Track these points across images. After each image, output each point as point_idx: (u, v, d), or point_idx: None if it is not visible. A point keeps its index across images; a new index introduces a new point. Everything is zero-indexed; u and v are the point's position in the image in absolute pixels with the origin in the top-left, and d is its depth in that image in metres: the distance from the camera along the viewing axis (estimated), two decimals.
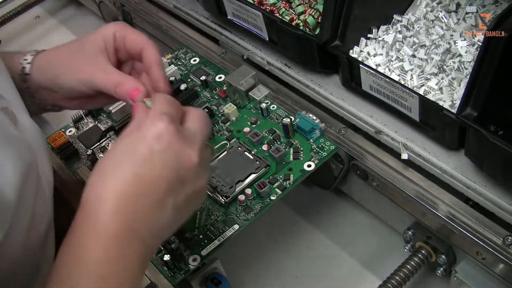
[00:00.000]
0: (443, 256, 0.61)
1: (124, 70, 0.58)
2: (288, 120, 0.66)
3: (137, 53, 0.56)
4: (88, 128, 0.75)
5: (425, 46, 0.64)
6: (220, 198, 0.63)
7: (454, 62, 0.62)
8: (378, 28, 0.68)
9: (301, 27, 0.72)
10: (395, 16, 0.69)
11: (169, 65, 0.79)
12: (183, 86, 0.76)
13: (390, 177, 0.62)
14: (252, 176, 0.64)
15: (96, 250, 0.42)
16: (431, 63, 0.63)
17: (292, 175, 0.64)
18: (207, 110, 0.72)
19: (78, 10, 1.22)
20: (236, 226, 0.61)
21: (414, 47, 0.65)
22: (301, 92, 0.73)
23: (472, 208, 0.58)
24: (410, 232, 0.64)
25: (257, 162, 0.65)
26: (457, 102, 0.59)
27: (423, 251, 0.63)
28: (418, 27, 0.67)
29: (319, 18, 0.72)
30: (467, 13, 0.66)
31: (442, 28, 0.66)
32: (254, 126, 0.70)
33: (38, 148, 0.53)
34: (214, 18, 0.83)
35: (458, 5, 0.67)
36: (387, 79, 0.61)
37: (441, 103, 0.59)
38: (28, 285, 0.52)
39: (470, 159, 0.57)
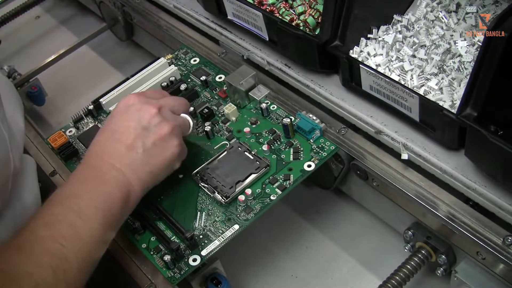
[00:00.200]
0: (443, 256, 0.61)
1: None
2: (288, 120, 0.66)
3: None
4: (88, 128, 0.75)
5: (425, 46, 0.64)
6: (220, 198, 0.63)
7: (454, 62, 0.62)
8: (378, 28, 0.69)
9: (301, 27, 0.72)
10: (395, 16, 0.69)
11: (169, 65, 0.79)
12: (183, 86, 0.76)
13: (390, 177, 0.62)
14: (252, 176, 0.64)
15: (81, 178, 0.57)
16: (431, 63, 0.63)
17: (292, 175, 0.64)
18: (207, 110, 0.72)
19: (78, 10, 1.22)
20: (236, 226, 0.61)
21: (414, 47, 0.65)
22: (301, 92, 0.73)
23: (472, 208, 0.58)
24: (410, 232, 0.64)
25: (257, 162, 0.65)
26: (457, 102, 0.59)
27: (423, 251, 0.63)
28: (418, 27, 0.67)
29: (319, 18, 0.72)
30: (467, 13, 0.66)
31: (442, 28, 0.66)
32: (254, 126, 0.70)
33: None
34: (214, 18, 0.83)
35: (458, 5, 0.67)
36: (387, 79, 0.61)
37: (441, 103, 0.59)
38: None
39: (470, 159, 0.57)
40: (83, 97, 0.97)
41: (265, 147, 0.67)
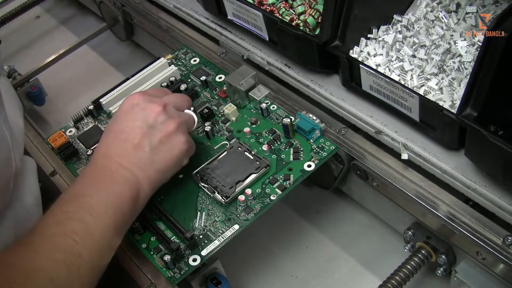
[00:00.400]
0: (443, 256, 0.61)
1: None
2: (288, 120, 0.66)
3: None
4: (88, 128, 0.75)
5: (425, 46, 0.64)
6: (220, 198, 0.63)
7: (454, 62, 0.62)
8: (378, 28, 0.69)
9: (301, 27, 0.72)
10: (395, 16, 0.69)
11: (169, 65, 0.79)
12: (183, 86, 0.76)
13: (390, 177, 0.62)
14: (252, 176, 0.64)
15: (90, 179, 0.58)
16: (431, 63, 0.63)
17: (292, 175, 0.64)
18: (207, 110, 0.72)
19: (78, 10, 1.22)
20: (236, 226, 0.61)
21: (414, 47, 0.65)
22: (301, 92, 0.73)
23: (472, 208, 0.58)
24: (410, 232, 0.64)
25: (257, 162, 0.65)
26: (457, 102, 0.59)
27: (423, 251, 0.63)
28: (418, 27, 0.67)
29: (319, 18, 0.72)
30: (467, 13, 0.66)
31: (442, 28, 0.66)
32: (254, 126, 0.70)
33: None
34: (214, 18, 0.83)
35: (458, 5, 0.67)
36: (387, 79, 0.61)
37: (441, 103, 0.59)
38: None
39: (470, 159, 0.57)
40: (83, 97, 0.97)
41: (265, 147, 0.67)
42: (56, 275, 0.48)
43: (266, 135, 0.69)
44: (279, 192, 0.63)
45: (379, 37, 0.68)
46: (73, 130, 0.76)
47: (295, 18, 0.74)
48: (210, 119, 0.72)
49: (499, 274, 0.56)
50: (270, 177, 0.64)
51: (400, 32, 0.67)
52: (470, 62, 0.62)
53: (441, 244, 0.61)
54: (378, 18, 0.69)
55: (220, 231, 0.61)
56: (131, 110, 0.61)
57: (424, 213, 0.61)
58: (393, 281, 0.60)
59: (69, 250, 0.50)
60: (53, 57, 1.01)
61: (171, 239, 0.61)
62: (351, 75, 0.66)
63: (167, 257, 0.59)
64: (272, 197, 0.63)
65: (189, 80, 0.78)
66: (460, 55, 0.63)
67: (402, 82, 0.62)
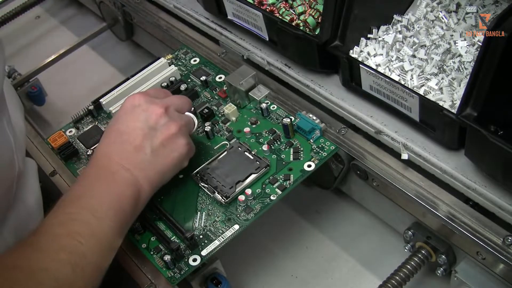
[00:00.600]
0: (443, 256, 0.61)
1: None
2: (288, 120, 0.66)
3: None
4: (88, 128, 0.75)
5: (425, 46, 0.64)
6: (220, 198, 0.63)
7: (454, 62, 0.62)
8: (378, 28, 0.69)
9: (301, 27, 0.72)
10: (395, 16, 0.69)
11: (169, 65, 0.79)
12: (183, 87, 0.76)
13: (390, 177, 0.62)
14: (252, 176, 0.64)
15: (91, 180, 0.57)
16: (431, 63, 0.63)
17: (292, 175, 0.64)
18: (207, 110, 0.72)
19: (78, 10, 1.22)
20: (236, 226, 0.61)
21: (414, 47, 0.65)
22: (301, 92, 0.73)
23: (472, 208, 0.58)
24: (410, 232, 0.64)
25: (257, 162, 0.65)
26: (457, 102, 0.59)
27: (423, 251, 0.63)
28: (418, 27, 0.67)
29: (319, 18, 0.72)
30: (467, 13, 0.66)
31: (442, 28, 0.66)
32: (254, 126, 0.70)
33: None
34: (214, 18, 0.83)
35: (458, 5, 0.67)
36: (387, 79, 0.61)
37: (441, 103, 0.59)
38: None
39: (470, 159, 0.57)
40: (83, 97, 0.97)
41: (265, 147, 0.67)
42: (61, 276, 0.49)
43: (266, 135, 0.69)
44: (279, 192, 0.63)
45: (379, 37, 0.68)
46: (73, 130, 0.76)
47: (295, 18, 0.74)
48: (210, 119, 0.72)
49: (499, 274, 0.56)
50: (270, 177, 0.64)
51: (400, 32, 0.67)
52: (470, 62, 0.62)
53: (441, 244, 0.61)
54: (378, 18, 0.69)
55: (220, 231, 0.61)
56: (132, 111, 0.61)
57: (424, 213, 0.61)
58: (393, 281, 0.60)
59: (74, 251, 0.50)
60: (53, 57, 1.01)
61: (171, 239, 0.61)
62: (351, 75, 0.66)
63: (167, 257, 0.59)
64: (272, 197, 0.63)
65: (189, 80, 0.78)
66: (460, 55, 0.63)
67: (402, 82, 0.62)
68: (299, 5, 0.74)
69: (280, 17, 0.73)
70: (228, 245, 0.60)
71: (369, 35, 0.68)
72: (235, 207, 0.63)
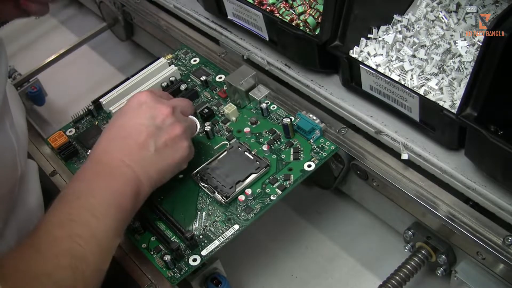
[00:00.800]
0: (443, 256, 0.61)
1: None
2: (288, 120, 0.66)
3: None
4: (88, 128, 0.75)
5: (425, 46, 0.64)
6: (220, 198, 0.63)
7: (454, 62, 0.62)
8: (378, 28, 0.69)
9: (301, 27, 0.72)
10: (395, 16, 0.69)
11: (169, 65, 0.79)
12: (183, 86, 0.76)
13: (390, 177, 0.62)
14: (252, 176, 0.64)
15: (91, 176, 0.57)
16: (431, 63, 0.63)
17: (292, 175, 0.64)
18: (207, 110, 0.72)
19: (78, 10, 1.22)
20: (236, 226, 0.61)
21: (414, 47, 0.65)
22: (301, 92, 0.73)
23: (472, 208, 0.58)
24: (410, 232, 0.64)
25: (257, 162, 0.65)
26: (457, 102, 0.59)
27: (423, 251, 0.63)
28: (418, 27, 0.67)
29: (319, 18, 0.72)
30: (467, 13, 0.66)
31: (442, 28, 0.66)
32: (254, 126, 0.70)
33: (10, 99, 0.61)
34: (214, 18, 0.83)
35: (458, 5, 0.67)
36: (387, 79, 0.61)
37: (441, 103, 0.59)
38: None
39: (470, 159, 0.57)
40: (83, 97, 0.97)
41: (265, 147, 0.67)
42: (62, 280, 0.48)
43: (266, 135, 0.69)
44: (279, 192, 0.63)
45: (379, 37, 0.68)
46: (73, 130, 0.76)
47: (295, 18, 0.74)
48: (210, 119, 0.72)
49: (499, 274, 0.56)
50: (270, 177, 0.64)
51: (400, 32, 0.67)
52: (470, 62, 0.62)
53: (441, 244, 0.61)
54: (378, 18, 0.69)
55: (220, 231, 0.61)
56: (139, 108, 0.61)
57: (424, 213, 0.61)
58: (393, 281, 0.60)
59: (74, 255, 0.50)
60: (53, 57, 1.01)
61: (171, 239, 0.61)
62: (351, 75, 0.66)
63: (167, 257, 0.59)
64: (272, 197, 0.63)
65: (189, 80, 0.78)
66: (460, 55, 0.63)
67: (402, 82, 0.62)
68: (299, 5, 0.74)
69: (280, 17, 0.73)
70: (228, 245, 0.60)
71: (369, 35, 0.68)
72: (235, 207, 0.63)
